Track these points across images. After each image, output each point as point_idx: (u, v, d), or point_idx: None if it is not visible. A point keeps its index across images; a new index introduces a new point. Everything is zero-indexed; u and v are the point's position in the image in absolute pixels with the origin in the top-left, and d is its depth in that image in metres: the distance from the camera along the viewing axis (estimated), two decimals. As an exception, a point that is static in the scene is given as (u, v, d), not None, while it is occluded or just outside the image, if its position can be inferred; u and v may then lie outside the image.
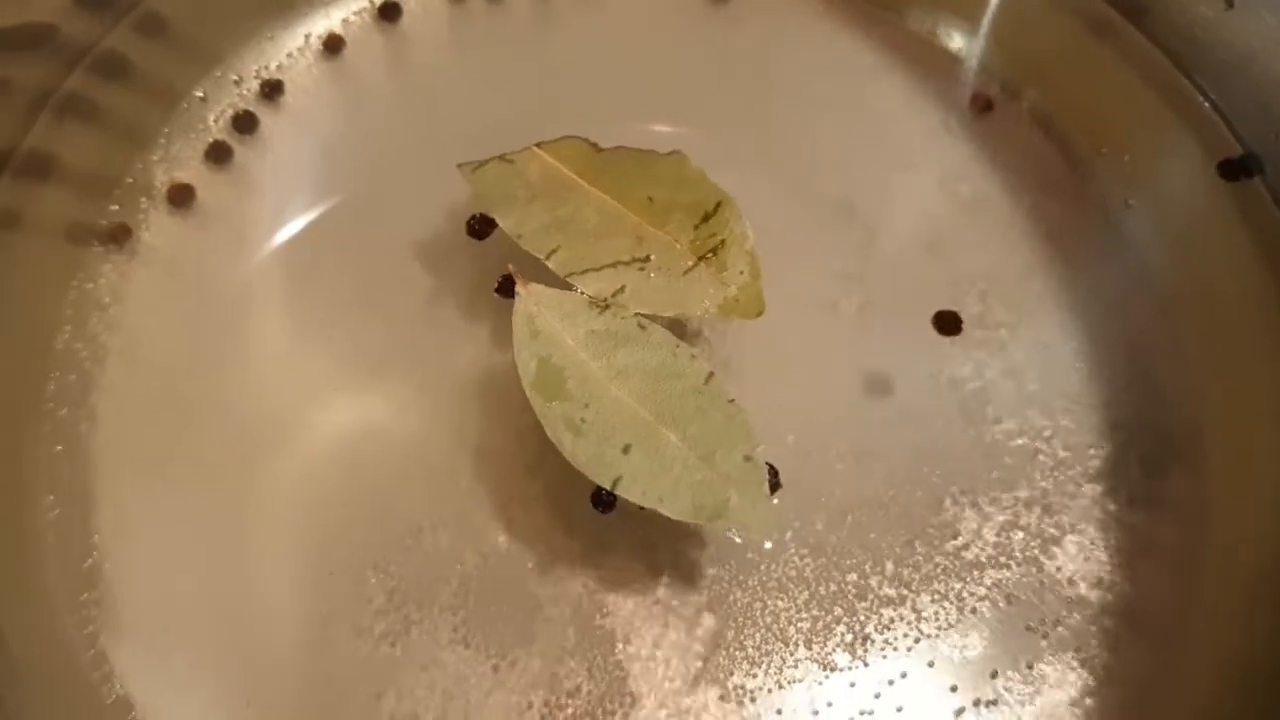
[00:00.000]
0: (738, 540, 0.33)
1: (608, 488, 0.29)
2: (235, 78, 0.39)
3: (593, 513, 0.32)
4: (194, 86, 0.39)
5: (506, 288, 0.34)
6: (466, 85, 0.40)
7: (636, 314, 0.31)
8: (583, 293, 0.32)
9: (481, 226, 0.36)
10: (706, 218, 0.32)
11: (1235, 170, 0.37)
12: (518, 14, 0.41)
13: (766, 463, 0.30)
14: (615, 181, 0.33)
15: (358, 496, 0.33)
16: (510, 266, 0.32)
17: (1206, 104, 0.38)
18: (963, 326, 0.35)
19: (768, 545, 0.33)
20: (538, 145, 0.33)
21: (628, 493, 0.29)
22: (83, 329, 0.35)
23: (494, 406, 0.34)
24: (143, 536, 0.33)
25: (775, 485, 0.32)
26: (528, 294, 0.32)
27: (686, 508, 0.29)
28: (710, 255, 0.32)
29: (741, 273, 0.32)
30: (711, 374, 0.30)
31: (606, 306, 0.31)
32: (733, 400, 0.30)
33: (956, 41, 0.41)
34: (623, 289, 0.32)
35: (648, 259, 0.32)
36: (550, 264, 0.32)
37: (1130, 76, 0.39)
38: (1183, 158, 0.38)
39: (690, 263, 0.32)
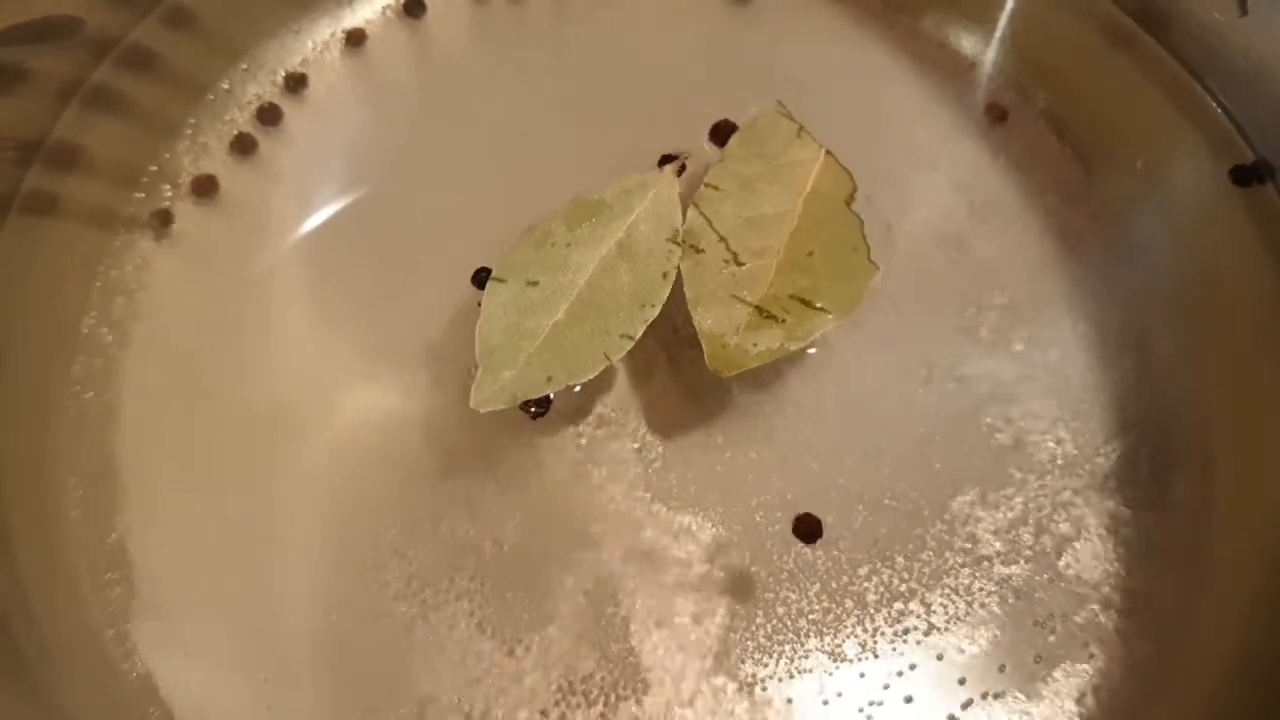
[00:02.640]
0: (756, 519, 0.33)
1: (492, 278, 0.32)
2: (260, 70, 0.40)
3: (607, 504, 0.33)
4: (220, 79, 0.40)
5: (666, 161, 0.35)
6: (487, 82, 0.40)
7: (677, 269, 0.32)
8: (684, 221, 0.33)
9: (723, 130, 0.37)
10: (805, 304, 0.32)
11: (1247, 176, 0.38)
12: (539, 12, 0.41)
13: (549, 397, 0.33)
14: (816, 223, 0.33)
15: (377, 482, 0.34)
16: (686, 153, 0.34)
17: (1219, 110, 0.39)
18: (822, 533, 0.33)
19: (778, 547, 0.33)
20: (828, 152, 0.34)
21: (488, 297, 0.32)
22: (108, 314, 0.36)
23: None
24: (165, 517, 0.33)
25: (534, 409, 0.34)
26: (666, 175, 0.33)
27: (487, 343, 0.31)
28: (761, 316, 0.32)
29: (755, 345, 0.31)
30: (631, 339, 0.31)
31: (678, 244, 0.32)
32: (611, 364, 0.31)
33: (971, 46, 0.41)
34: (702, 253, 0.32)
35: (740, 265, 0.32)
36: (702, 191, 0.33)
37: (1143, 82, 0.40)
38: (1195, 163, 0.39)
39: (747, 302, 0.32)
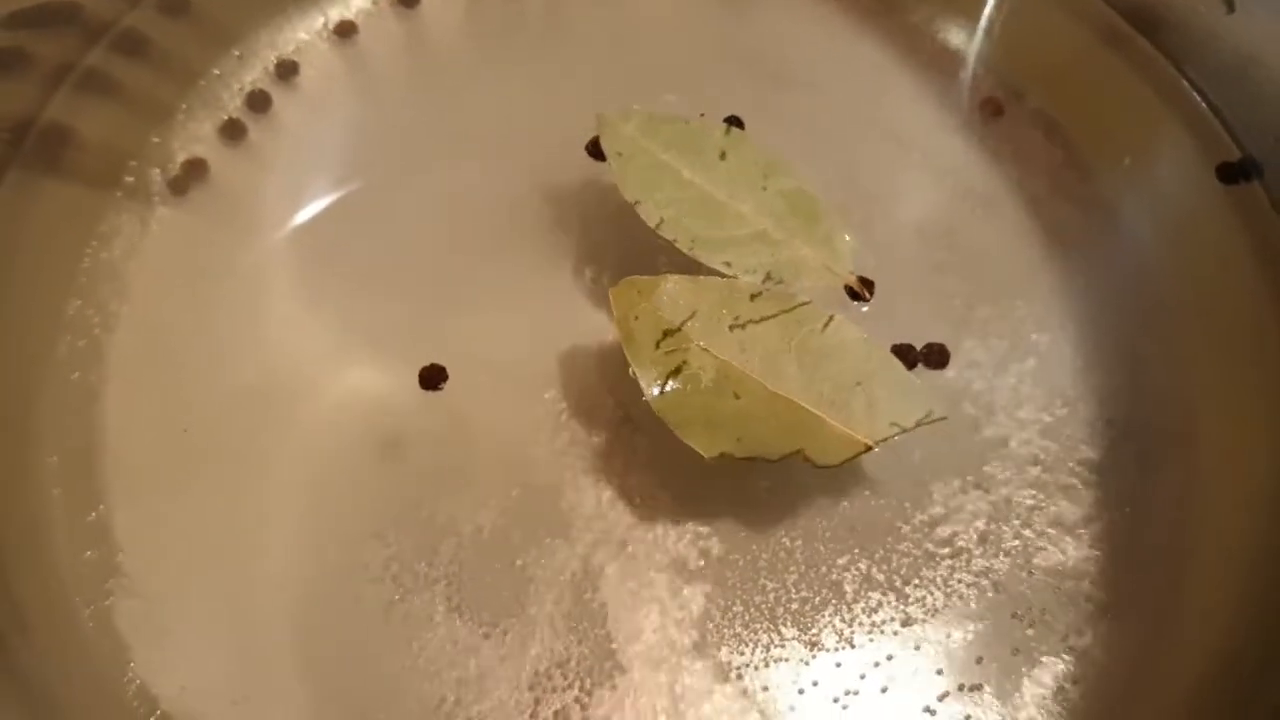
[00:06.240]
0: (736, 521, 0.33)
1: (724, 123, 0.36)
2: (253, 57, 0.40)
3: (586, 491, 0.33)
4: (212, 65, 0.40)
5: (863, 282, 0.35)
6: (481, 72, 0.41)
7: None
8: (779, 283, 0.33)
9: (912, 357, 0.36)
10: (672, 378, 0.31)
11: (1233, 174, 0.38)
12: (533, 3, 0.42)
13: (604, 160, 0.34)
14: (775, 421, 0.31)
15: (357, 466, 0.34)
16: (870, 295, 0.36)
17: (1206, 107, 0.39)
18: (440, 386, 0.35)
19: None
20: (871, 447, 0.31)
21: (698, 123, 0.35)
22: (94, 296, 0.36)
23: (496, 389, 0.35)
24: (146, 497, 0.34)
25: (591, 149, 0.37)
26: (843, 273, 0.34)
27: (656, 115, 0.34)
28: (666, 336, 0.31)
29: (635, 323, 0.32)
30: (661, 228, 0.33)
31: (771, 285, 0.33)
32: (633, 207, 0.33)
33: (963, 43, 0.41)
34: (758, 298, 0.32)
35: (731, 331, 0.32)
36: (818, 305, 0.32)
37: (1131, 79, 0.40)
38: (1181, 161, 0.39)
39: (684, 328, 0.32)
